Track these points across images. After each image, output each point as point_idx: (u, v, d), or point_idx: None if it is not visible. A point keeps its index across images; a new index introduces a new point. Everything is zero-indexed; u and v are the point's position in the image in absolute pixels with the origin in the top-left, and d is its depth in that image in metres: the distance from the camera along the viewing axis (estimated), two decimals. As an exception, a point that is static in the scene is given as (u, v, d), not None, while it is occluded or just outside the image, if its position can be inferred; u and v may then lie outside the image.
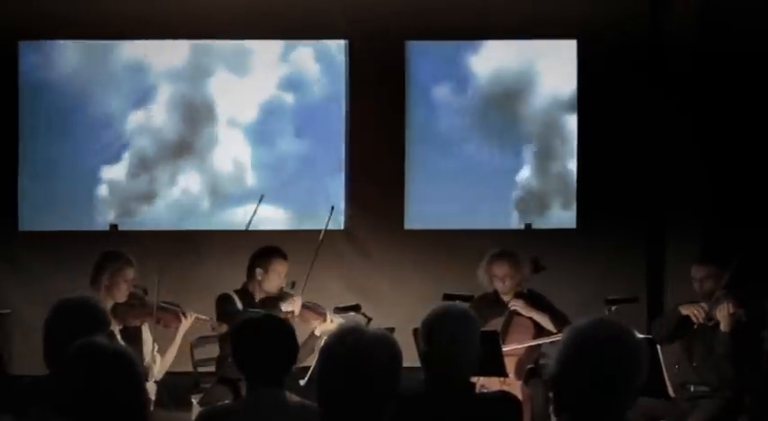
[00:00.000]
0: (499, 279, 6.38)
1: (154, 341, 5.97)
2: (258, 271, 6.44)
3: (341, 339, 2.57)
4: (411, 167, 7.87)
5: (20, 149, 7.56)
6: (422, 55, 7.87)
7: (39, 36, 7.55)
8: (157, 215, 7.81)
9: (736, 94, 7.54)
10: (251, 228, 7.25)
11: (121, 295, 5.92)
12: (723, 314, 5.88)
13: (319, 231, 6.65)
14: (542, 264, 6.49)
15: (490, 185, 7.93)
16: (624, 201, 7.77)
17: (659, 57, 7.76)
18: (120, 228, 7.64)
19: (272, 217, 7.71)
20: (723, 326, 5.90)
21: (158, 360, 5.97)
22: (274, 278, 6.40)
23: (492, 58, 7.92)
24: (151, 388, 5.73)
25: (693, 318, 5.97)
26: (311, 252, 6.49)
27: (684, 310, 6.02)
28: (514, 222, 7.95)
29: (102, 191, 7.77)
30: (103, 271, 5.94)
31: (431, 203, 7.90)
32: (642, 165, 7.79)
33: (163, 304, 5.99)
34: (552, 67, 7.93)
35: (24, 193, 7.59)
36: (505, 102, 7.91)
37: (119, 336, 5.76)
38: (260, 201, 7.22)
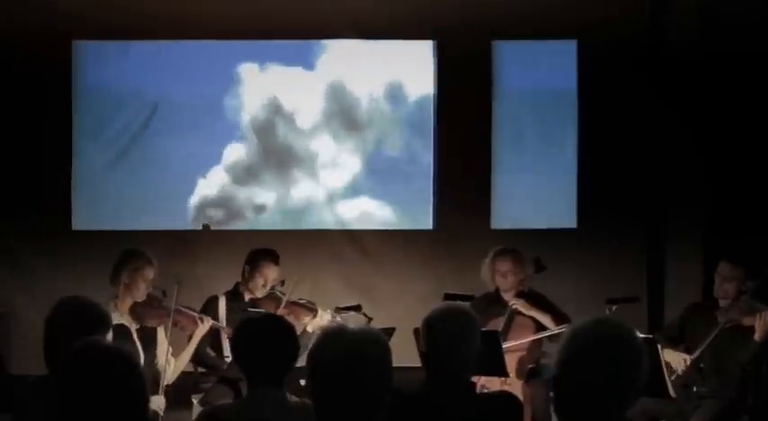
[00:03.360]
0: (501, 274, 6.42)
1: (169, 344, 5.95)
2: (246, 268, 6.42)
3: (328, 341, 2.56)
4: (496, 167, 7.90)
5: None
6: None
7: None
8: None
9: (736, 94, 7.54)
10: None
11: (140, 294, 5.88)
12: (760, 324, 5.75)
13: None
14: (543, 264, 6.50)
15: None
16: (624, 201, 7.77)
17: (659, 56, 7.76)
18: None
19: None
20: (758, 336, 5.77)
21: (172, 362, 5.94)
22: (259, 280, 6.38)
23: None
24: (159, 401, 5.63)
25: (674, 366, 5.80)
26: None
27: (667, 357, 5.79)
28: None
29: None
30: (123, 269, 5.91)
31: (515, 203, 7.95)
32: (642, 165, 7.80)
33: (181, 307, 5.98)
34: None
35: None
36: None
37: (135, 336, 5.76)
38: None
